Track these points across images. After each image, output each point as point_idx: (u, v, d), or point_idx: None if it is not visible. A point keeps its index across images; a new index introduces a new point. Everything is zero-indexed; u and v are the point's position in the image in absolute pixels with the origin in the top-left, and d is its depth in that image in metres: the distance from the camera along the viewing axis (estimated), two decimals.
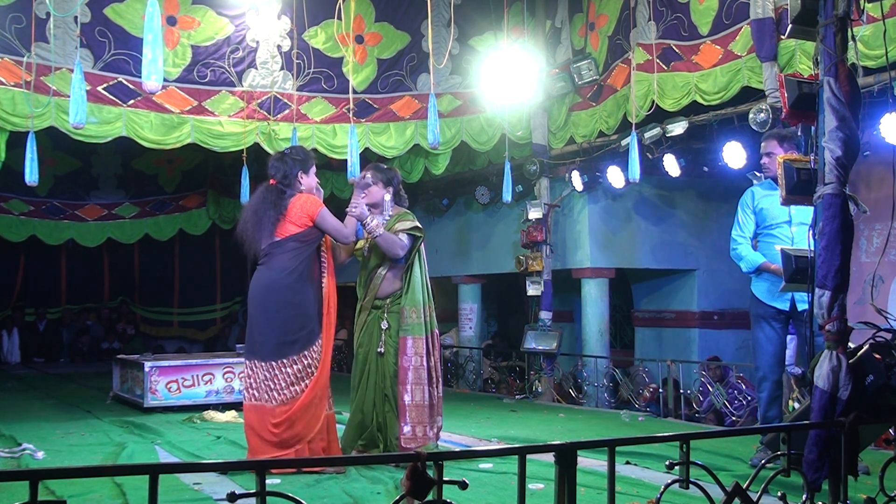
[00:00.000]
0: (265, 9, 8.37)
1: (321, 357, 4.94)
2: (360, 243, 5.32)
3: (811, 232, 3.68)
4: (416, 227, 5.27)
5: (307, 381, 4.86)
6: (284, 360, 4.85)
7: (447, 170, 10.34)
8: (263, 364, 4.90)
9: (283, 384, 4.85)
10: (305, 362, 4.88)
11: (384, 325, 5.23)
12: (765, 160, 5.26)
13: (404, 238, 5.21)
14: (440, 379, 5.28)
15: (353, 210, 5.06)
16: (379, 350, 5.21)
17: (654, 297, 10.93)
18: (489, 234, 11.20)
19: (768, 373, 5.17)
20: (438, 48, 8.85)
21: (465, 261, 11.68)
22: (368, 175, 5.30)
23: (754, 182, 7.20)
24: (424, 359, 5.16)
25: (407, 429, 5.08)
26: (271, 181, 5.01)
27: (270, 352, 4.89)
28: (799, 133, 4.78)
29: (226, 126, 8.41)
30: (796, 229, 5.08)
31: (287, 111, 8.62)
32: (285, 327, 4.89)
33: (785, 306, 5.10)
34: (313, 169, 5.10)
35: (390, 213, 5.31)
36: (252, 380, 4.95)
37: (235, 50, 8.38)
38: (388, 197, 5.31)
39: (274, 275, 4.95)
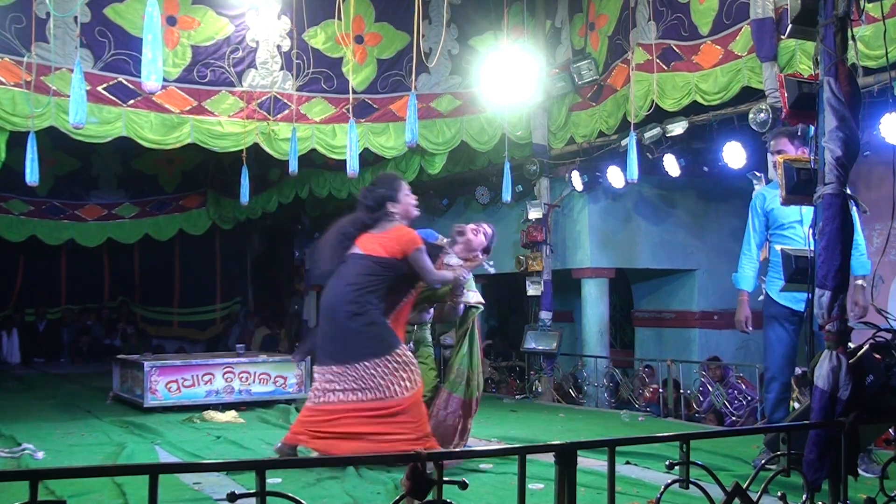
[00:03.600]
0: (265, 9, 8.37)
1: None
2: None
3: (811, 232, 3.68)
4: (480, 303, 5.40)
5: (402, 385, 4.82)
6: (367, 363, 4.82)
7: (447, 170, 10.33)
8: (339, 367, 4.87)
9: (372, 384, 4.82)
10: (391, 366, 4.83)
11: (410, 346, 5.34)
12: (776, 158, 5.22)
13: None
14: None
15: (460, 273, 5.10)
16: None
17: (654, 297, 10.93)
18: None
19: (777, 374, 5.11)
20: (437, 48, 8.85)
21: None
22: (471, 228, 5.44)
23: (754, 182, 7.22)
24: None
25: None
26: (363, 212, 5.03)
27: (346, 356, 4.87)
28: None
29: (226, 126, 8.41)
30: (809, 229, 5.04)
31: (287, 111, 8.62)
32: (354, 338, 4.85)
33: (800, 307, 4.94)
34: (403, 193, 5.07)
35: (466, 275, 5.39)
36: (331, 383, 4.89)
37: (235, 50, 8.38)
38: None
39: (340, 286, 4.92)
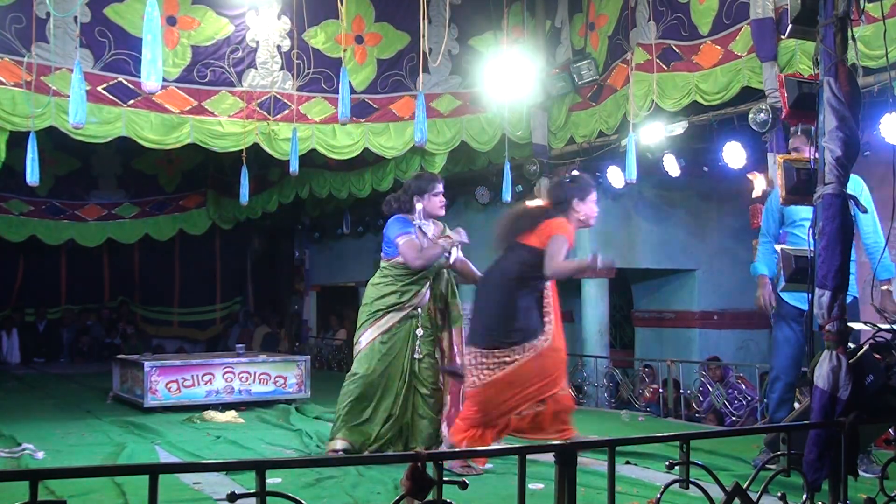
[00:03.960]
0: (265, 9, 8.36)
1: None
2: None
3: (811, 232, 3.68)
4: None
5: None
6: (494, 350, 4.88)
7: (447, 170, 10.31)
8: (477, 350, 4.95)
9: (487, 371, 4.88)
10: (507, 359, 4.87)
11: (419, 332, 5.42)
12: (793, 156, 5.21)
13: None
14: None
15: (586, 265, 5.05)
16: (417, 356, 5.39)
17: (654, 297, 10.93)
18: (489, 234, 11.15)
19: (781, 373, 5.11)
20: (438, 48, 8.85)
21: None
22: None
23: (754, 182, 7.22)
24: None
25: None
26: (546, 203, 5.10)
27: (481, 339, 4.96)
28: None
29: (226, 126, 8.40)
30: (809, 229, 5.02)
31: (287, 111, 8.61)
32: (495, 322, 4.94)
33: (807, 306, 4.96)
34: (592, 197, 5.08)
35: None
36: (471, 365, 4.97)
37: (235, 50, 8.37)
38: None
39: (497, 273, 5.07)
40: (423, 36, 8.34)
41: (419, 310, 5.44)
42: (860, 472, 3.64)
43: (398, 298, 5.38)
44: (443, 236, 5.52)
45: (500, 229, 5.20)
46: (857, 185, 4.94)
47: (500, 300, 4.94)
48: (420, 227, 5.43)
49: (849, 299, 4.57)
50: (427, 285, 5.49)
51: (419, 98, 8.13)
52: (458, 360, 5.45)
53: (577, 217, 5.02)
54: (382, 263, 5.50)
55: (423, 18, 8.13)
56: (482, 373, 4.86)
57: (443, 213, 5.56)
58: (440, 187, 5.49)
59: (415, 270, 5.37)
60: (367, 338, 5.37)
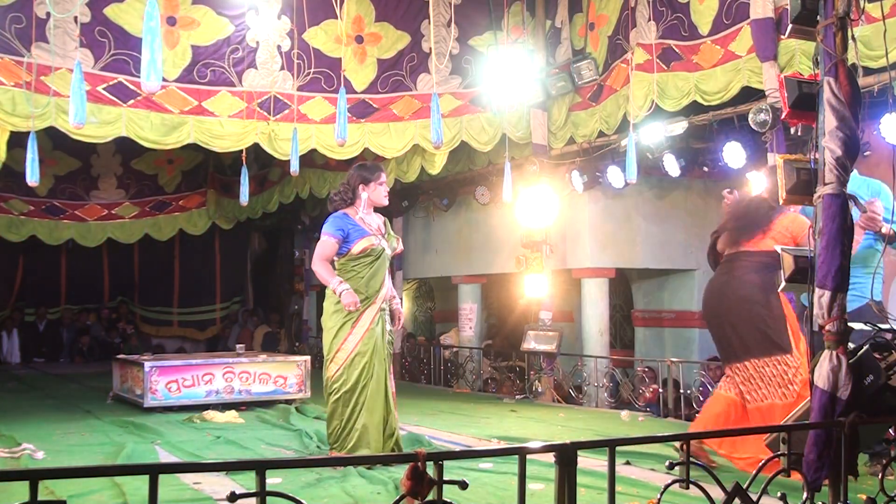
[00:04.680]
0: (265, 9, 8.37)
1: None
2: (373, 241, 5.32)
3: (811, 231, 3.69)
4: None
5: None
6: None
7: (447, 169, 10.33)
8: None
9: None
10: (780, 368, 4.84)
11: (389, 327, 5.38)
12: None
13: None
14: None
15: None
16: (388, 349, 5.37)
17: (654, 297, 10.93)
18: (489, 234, 11.20)
19: None
20: (438, 48, 8.85)
21: (465, 261, 11.67)
22: None
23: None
24: None
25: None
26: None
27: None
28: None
29: (226, 126, 8.40)
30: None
31: (287, 111, 8.61)
32: (755, 333, 4.89)
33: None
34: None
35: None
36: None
37: (235, 50, 8.37)
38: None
39: (735, 284, 4.94)
40: (431, 36, 8.35)
41: (386, 303, 5.37)
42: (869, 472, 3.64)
43: (365, 289, 5.27)
44: (387, 234, 5.45)
45: (732, 223, 5.06)
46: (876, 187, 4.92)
47: (755, 312, 4.86)
48: (363, 219, 5.36)
49: (861, 303, 4.60)
50: (386, 278, 5.42)
51: (433, 99, 8.10)
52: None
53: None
54: (340, 262, 5.36)
55: (431, 20, 8.14)
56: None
57: (386, 202, 5.49)
58: (384, 176, 5.47)
59: (370, 261, 5.30)
60: (352, 341, 5.21)
